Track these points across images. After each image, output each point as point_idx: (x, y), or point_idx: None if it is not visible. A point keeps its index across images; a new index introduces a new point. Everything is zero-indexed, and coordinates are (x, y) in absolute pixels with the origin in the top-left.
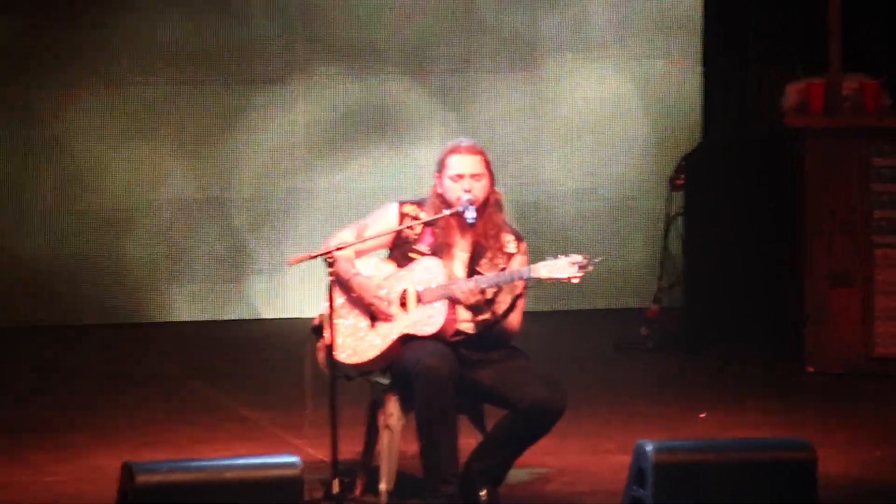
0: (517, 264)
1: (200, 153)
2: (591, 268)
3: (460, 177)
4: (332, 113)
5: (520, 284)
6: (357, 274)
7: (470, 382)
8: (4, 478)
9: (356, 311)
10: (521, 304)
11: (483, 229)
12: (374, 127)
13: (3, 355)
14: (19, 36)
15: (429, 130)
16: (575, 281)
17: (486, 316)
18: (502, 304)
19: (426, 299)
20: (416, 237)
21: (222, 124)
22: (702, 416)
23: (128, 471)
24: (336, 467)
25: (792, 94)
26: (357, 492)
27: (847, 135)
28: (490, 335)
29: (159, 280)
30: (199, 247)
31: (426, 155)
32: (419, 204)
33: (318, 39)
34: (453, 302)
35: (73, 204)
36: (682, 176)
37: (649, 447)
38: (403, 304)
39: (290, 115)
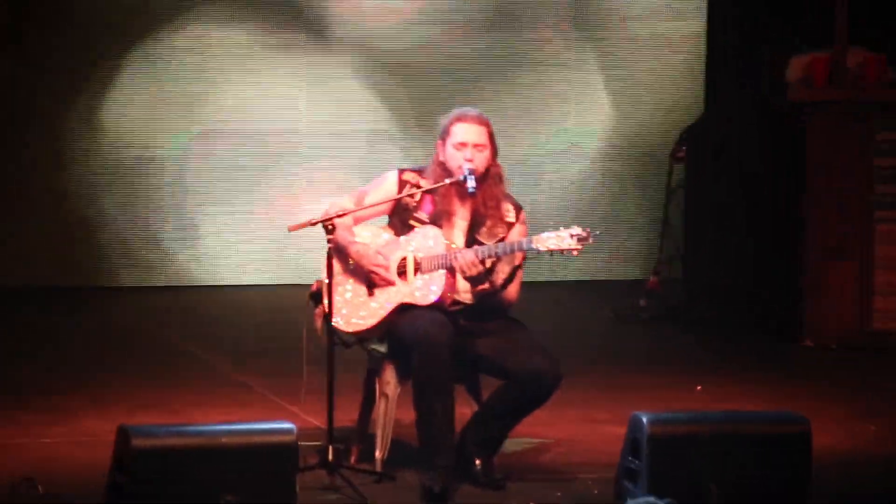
0: (517, 234)
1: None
2: (591, 240)
3: (463, 145)
4: None
5: (519, 255)
6: (355, 242)
7: (467, 352)
8: (0, 438)
9: (354, 279)
10: (519, 274)
11: (483, 199)
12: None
13: None
14: None
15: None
16: (574, 253)
17: (485, 286)
18: (501, 275)
19: (425, 268)
20: (415, 205)
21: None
22: (698, 388)
23: (123, 434)
24: (331, 434)
25: (796, 67)
26: (352, 459)
27: (850, 109)
28: (488, 305)
29: (157, 243)
30: (197, 211)
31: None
32: (419, 172)
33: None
34: (452, 271)
35: (70, 167)
36: (684, 148)
37: (645, 419)
38: (402, 273)
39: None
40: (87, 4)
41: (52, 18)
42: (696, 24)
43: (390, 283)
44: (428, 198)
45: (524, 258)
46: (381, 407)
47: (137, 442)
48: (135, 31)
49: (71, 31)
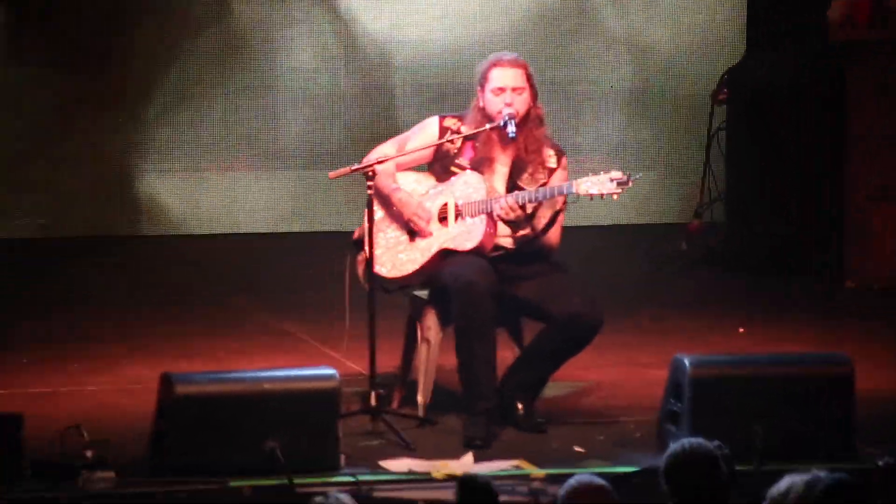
0: (558, 179)
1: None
2: (630, 183)
3: (501, 90)
4: None
5: (560, 199)
6: (397, 189)
7: (509, 297)
8: (46, 387)
9: (396, 225)
10: (560, 218)
11: (524, 144)
12: None
13: (41, 266)
14: None
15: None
16: (615, 197)
17: (526, 231)
18: (542, 219)
19: (466, 214)
20: (456, 151)
21: None
22: (740, 330)
23: (167, 381)
24: (374, 380)
25: (838, 7)
26: (394, 404)
27: (892, 49)
28: (529, 250)
29: (199, 193)
30: (238, 160)
31: None
32: (460, 118)
33: None
34: (493, 217)
35: (117, 118)
36: (725, 90)
37: (686, 361)
38: (443, 219)
39: None
40: None
41: None
42: None
43: (428, 234)
44: (469, 144)
45: (565, 202)
46: (422, 352)
47: (180, 389)
48: None
49: None
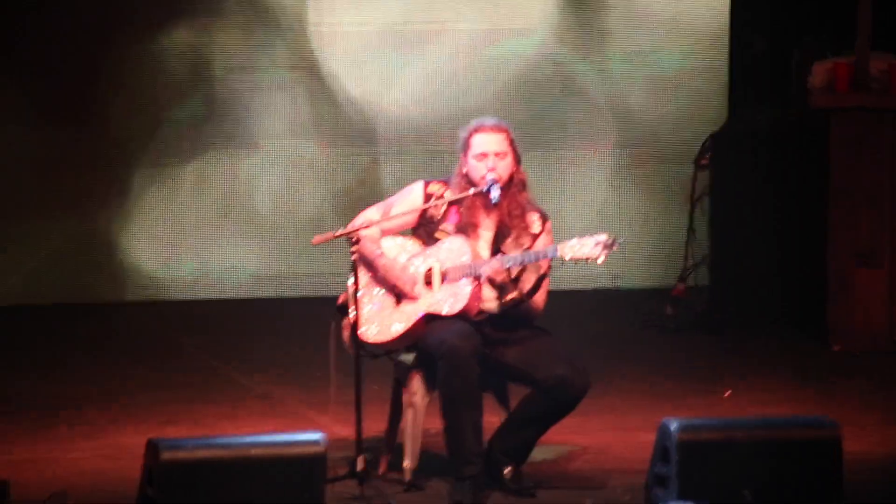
0: (542, 243)
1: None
2: (615, 247)
3: (484, 155)
4: None
5: (544, 263)
6: (382, 255)
7: (494, 361)
8: (28, 454)
9: (380, 290)
10: (545, 283)
11: (507, 209)
12: None
13: (25, 332)
14: None
15: None
16: (600, 261)
17: (511, 295)
18: (527, 283)
19: (451, 278)
20: (441, 216)
21: None
22: (726, 394)
23: (153, 448)
24: (360, 445)
25: (819, 73)
26: (381, 469)
27: (874, 114)
28: (515, 314)
29: (181, 258)
30: (220, 227)
31: None
32: (444, 183)
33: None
34: (478, 281)
35: (98, 184)
36: (708, 156)
37: (674, 425)
38: (428, 283)
39: None
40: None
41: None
42: (720, 32)
43: (415, 297)
44: (453, 209)
45: (550, 266)
46: (408, 417)
47: (167, 455)
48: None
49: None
